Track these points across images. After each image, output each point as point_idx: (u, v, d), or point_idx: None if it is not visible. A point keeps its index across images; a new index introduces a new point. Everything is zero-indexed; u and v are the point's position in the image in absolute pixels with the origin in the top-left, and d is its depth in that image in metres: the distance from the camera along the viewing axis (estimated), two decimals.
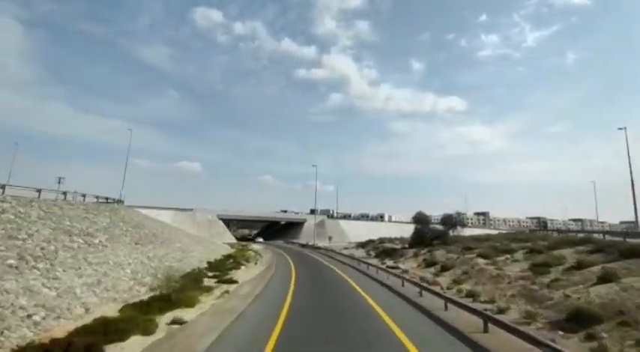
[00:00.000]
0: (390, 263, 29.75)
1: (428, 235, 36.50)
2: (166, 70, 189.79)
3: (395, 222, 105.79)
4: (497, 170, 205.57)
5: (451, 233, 36.34)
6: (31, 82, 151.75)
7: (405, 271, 23.07)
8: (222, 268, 23.96)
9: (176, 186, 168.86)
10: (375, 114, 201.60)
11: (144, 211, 60.64)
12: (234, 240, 71.88)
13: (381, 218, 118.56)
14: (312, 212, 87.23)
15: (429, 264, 24.61)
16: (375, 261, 30.86)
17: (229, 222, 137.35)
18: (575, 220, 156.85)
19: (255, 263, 29.05)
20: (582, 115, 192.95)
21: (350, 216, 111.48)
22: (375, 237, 72.52)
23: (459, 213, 36.35)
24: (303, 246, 58.50)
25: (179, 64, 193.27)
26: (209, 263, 25.96)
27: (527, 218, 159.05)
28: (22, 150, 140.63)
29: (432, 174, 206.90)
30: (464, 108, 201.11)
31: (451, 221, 36.34)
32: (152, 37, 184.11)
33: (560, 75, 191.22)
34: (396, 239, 58.49)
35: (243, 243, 66.11)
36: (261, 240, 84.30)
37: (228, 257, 32.38)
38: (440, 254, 27.75)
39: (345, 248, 51.78)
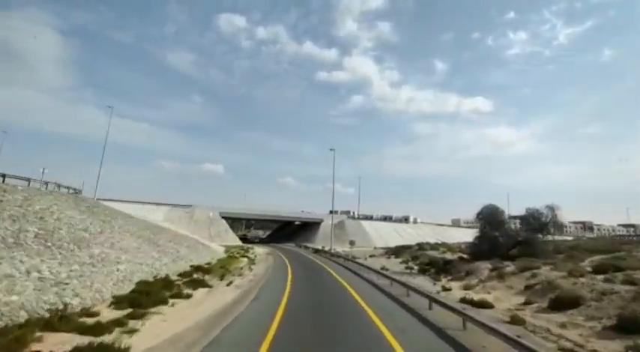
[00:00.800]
0: (456, 288, 17.50)
1: (502, 241, 24.06)
2: (191, 74, 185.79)
3: (427, 223, 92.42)
4: (525, 172, 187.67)
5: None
6: (67, 88, 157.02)
7: (520, 321, 10.91)
8: (154, 297, 12.65)
9: (199, 188, 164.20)
10: (396, 115, 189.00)
11: (134, 206, 51.09)
12: (237, 242, 61.17)
13: (405, 220, 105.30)
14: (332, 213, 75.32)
15: (555, 302, 12.31)
16: (425, 282, 18.87)
17: (246, 223, 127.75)
18: (625, 226, 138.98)
19: (229, 283, 17.59)
20: (619, 116, 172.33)
21: (372, 217, 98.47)
22: (405, 241, 59.84)
23: (551, 208, 23.62)
24: (316, 251, 46.45)
25: (203, 68, 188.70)
26: (141, 284, 14.72)
27: (569, 222, 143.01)
28: (57, 152, 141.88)
29: (456, 177, 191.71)
30: (490, 109, 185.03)
31: (541, 220, 23.65)
32: (177, 44, 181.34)
33: (595, 73, 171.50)
34: (437, 244, 45.85)
35: (249, 245, 55.26)
36: (257, 240, 74.92)
37: (196, 269, 21.19)
38: (554, 276, 15.40)
39: (372, 255, 39.60)
